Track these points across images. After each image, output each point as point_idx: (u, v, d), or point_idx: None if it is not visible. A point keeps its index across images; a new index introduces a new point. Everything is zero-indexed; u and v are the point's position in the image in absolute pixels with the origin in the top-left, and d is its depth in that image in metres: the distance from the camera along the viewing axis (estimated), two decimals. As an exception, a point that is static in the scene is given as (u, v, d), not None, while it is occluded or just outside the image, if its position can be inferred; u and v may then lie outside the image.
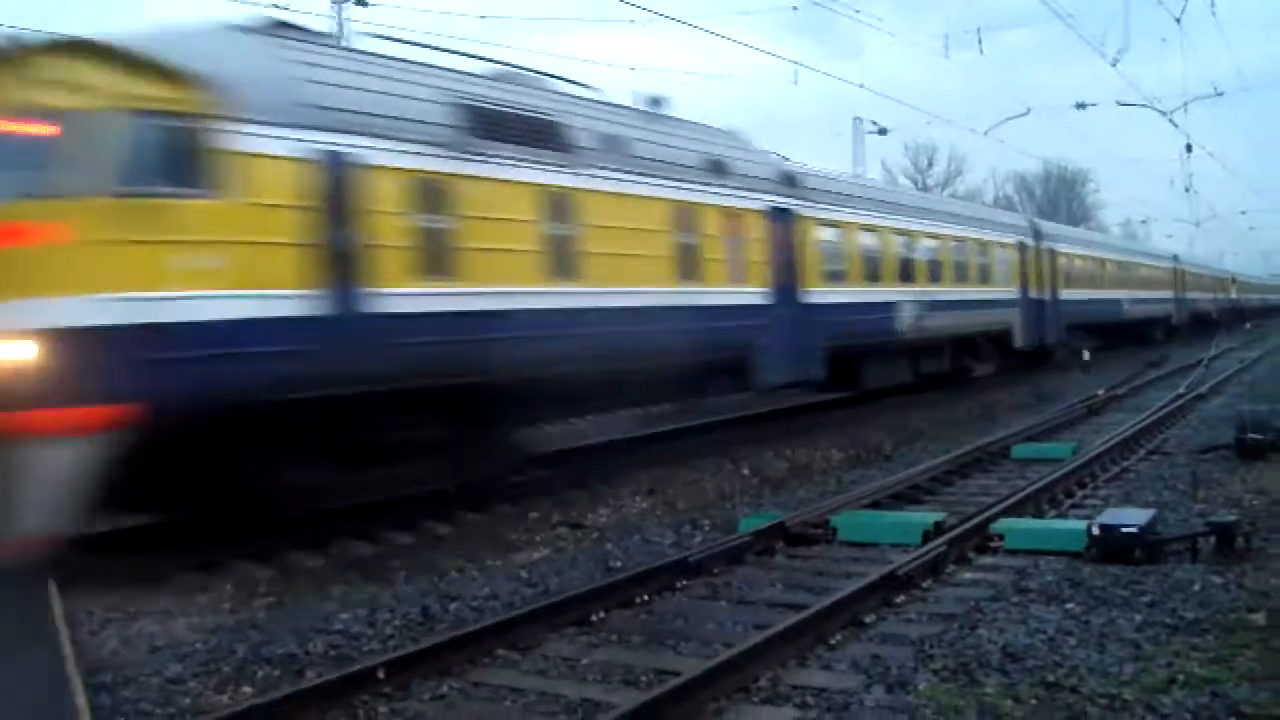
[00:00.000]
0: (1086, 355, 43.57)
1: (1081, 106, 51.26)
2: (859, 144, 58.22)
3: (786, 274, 23.39)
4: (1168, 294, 66.64)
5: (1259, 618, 9.94)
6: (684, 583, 11.92)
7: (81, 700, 8.27)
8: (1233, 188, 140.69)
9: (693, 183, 20.57)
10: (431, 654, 9.34)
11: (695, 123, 22.71)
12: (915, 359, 30.72)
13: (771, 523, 14.07)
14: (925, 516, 14.23)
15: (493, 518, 16.28)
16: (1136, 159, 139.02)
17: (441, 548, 14.61)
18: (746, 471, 19.69)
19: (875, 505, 15.53)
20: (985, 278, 35.30)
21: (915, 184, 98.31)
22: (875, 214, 28.54)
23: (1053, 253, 42.51)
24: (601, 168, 18.15)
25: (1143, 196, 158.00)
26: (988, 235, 36.26)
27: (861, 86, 43.15)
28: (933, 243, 31.74)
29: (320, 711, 8.32)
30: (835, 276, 25.84)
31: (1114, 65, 34.60)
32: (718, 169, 21.58)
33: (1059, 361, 42.22)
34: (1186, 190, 68.64)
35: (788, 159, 26.06)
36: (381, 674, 8.83)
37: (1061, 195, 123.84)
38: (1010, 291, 37.19)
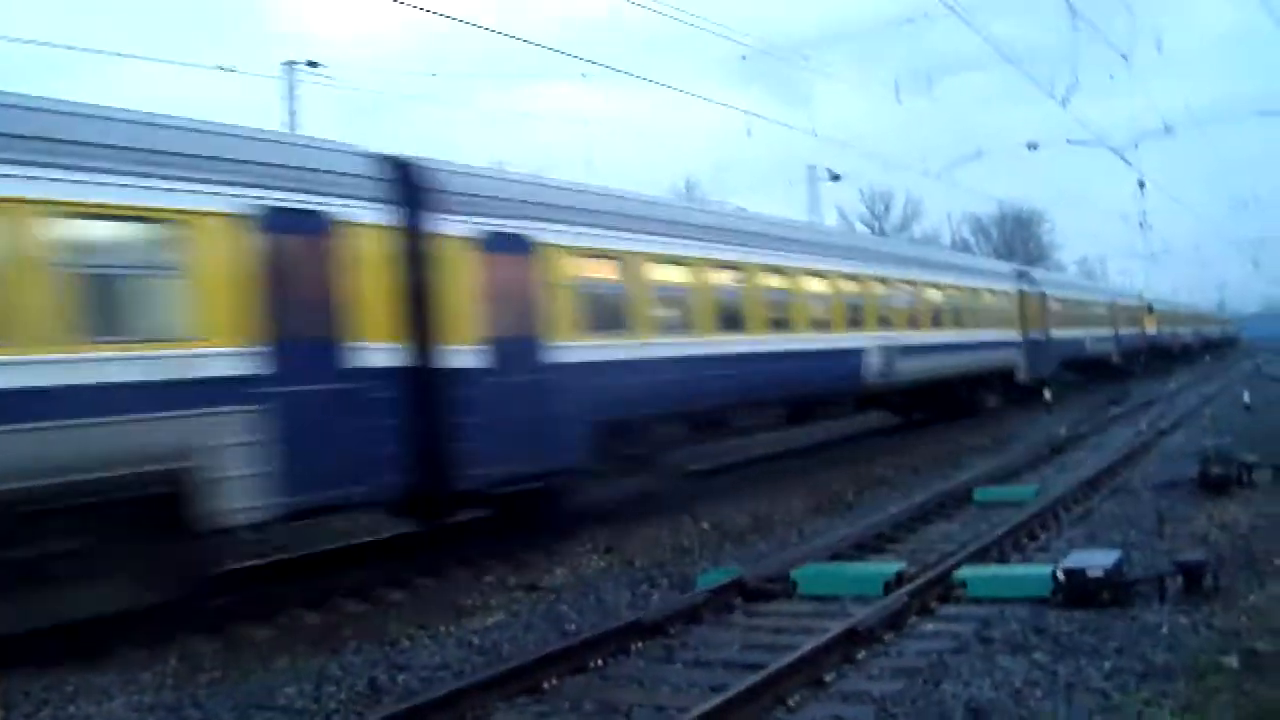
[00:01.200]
0: (1048, 395, 43.62)
1: (1033, 147, 51.35)
2: (814, 191, 58.33)
3: None
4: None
5: (1231, 660, 9.71)
6: (639, 644, 11.57)
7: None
8: (1187, 222, 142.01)
9: None
10: (375, 730, 8.98)
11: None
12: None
13: (730, 579, 13.76)
14: (886, 567, 13.96)
15: (446, 581, 15.91)
16: (1090, 197, 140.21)
17: (393, 614, 14.22)
18: (706, 525, 19.33)
19: (836, 556, 15.25)
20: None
21: (872, 229, 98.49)
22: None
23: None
24: None
25: (1098, 233, 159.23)
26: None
27: (815, 135, 43.15)
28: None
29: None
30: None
31: (1064, 105, 34.50)
32: None
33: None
34: (1141, 226, 68.92)
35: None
36: (321, 754, 8.46)
37: (1017, 236, 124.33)
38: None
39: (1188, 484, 19.34)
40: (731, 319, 23.31)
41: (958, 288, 37.45)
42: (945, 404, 37.08)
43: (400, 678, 11.03)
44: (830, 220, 75.62)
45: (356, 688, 10.72)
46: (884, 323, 30.51)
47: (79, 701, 10.63)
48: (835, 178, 57.58)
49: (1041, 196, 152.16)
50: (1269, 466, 19.75)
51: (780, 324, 25.14)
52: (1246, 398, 36.54)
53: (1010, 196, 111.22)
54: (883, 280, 31.17)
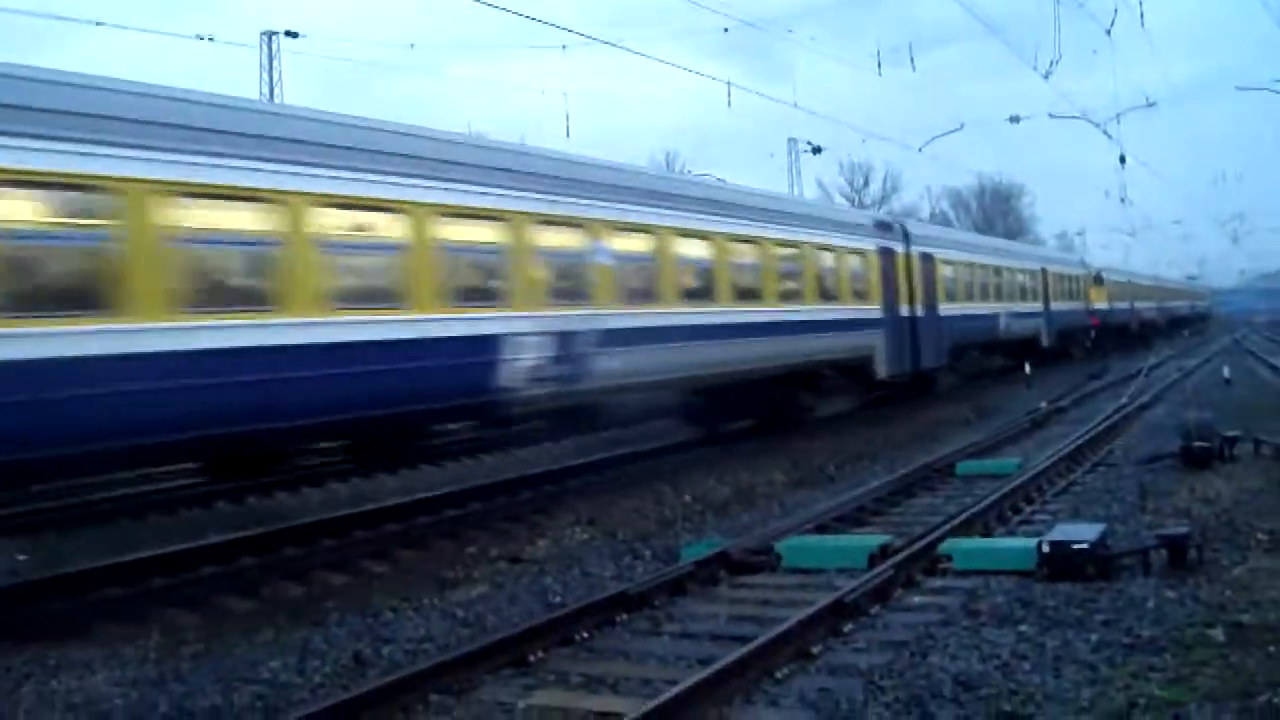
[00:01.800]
0: (1028, 369, 43.15)
1: (1015, 120, 51.45)
2: (794, 164, 58.19)
3: None
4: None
5: (1217, 633, 9.71)
6: (625, 616, 11.52)
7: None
8: (1167, 197, 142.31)
9: None
10: (361, 702, 8.88)
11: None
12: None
13: (714, 551, 13.72)
14: (871, 539, 13.93)
15: (429, 554, 15.84)
16: (1071, 171, 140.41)
17: (376, 587, 14.14)
18: (688, 498, 19.29)
19: (820, 529, 15.23)
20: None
21: (851, 202, 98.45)
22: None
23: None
24: None
25: (1078, 208, 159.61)
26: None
27: (795, 106, 42.98)
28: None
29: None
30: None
31: (1046, 78, 34.54)
32: None
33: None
34: (1121, 201, 69.02)
35: None
36: (307, 727, 8.39)
37: (997, 209, 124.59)
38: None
39: (1169, 458, 19.37)
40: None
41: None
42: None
43: (385, 650, 10.95)
44: (810, 194, 75.43)
45: (341, 660, 10.64)
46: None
47: (61, 676, 10.51)
48: (816, 150, 57.51)
49: (1022, 170, 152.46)
50: (1250, 440, 19.80)
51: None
52: (1226, 372, 36.66)
53: (991, 170, 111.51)
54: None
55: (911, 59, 54.24)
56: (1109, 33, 36.53)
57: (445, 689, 9.40)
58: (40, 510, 18.01)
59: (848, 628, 10.64)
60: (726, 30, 42.56)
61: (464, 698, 9.33)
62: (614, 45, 53.93)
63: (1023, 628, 10.23)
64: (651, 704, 8.22)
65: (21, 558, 15.47)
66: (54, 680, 10.40)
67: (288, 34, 43.33)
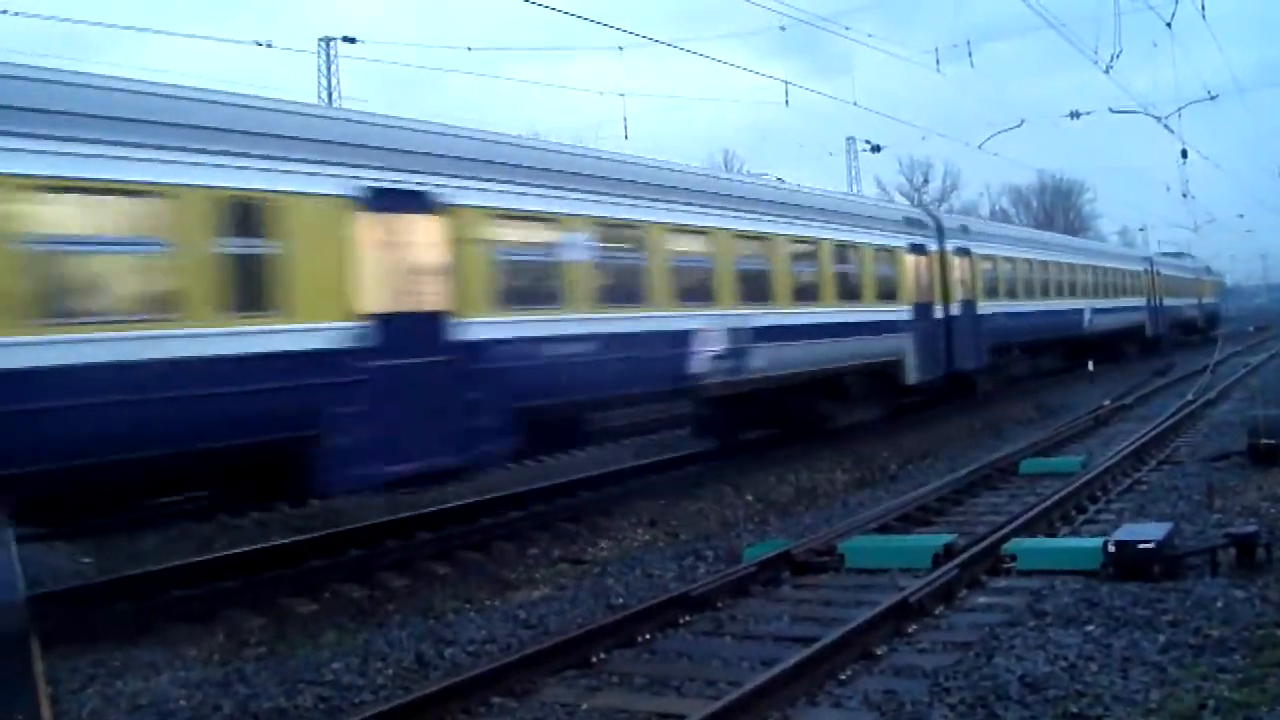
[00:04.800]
0: (1090, 366, 42.73)
1: (1075, 115, 50.74)
2: (853, 163, 57.98)
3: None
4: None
5: (1288, 633, 9.55)
6: (688, 618, 11.52)
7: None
8: (1229, 191, 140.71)
9: None
10: (423, 705, 8.92)
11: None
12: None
13: (777, 551, 13.69)
14: (935, 539, 13.85)
15: (491, 556, 15.87)
16: (1132, 166, 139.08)
17: (438, 588, 14.18)
18: (750, 498, 19.27)
19: (883, 529, 15.15)
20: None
21: (911, 201, 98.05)
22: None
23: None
24: None
25: (1140, 203, 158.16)
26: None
27: (854, 104, 42.72)
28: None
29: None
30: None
31: (1107, 72, 34.03)
32: None
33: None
34: (1184, 196, 68.20)
35: None
36: (371, 729, 8.41)
37: (1058, 206, 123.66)
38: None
39: (1236, 455, 19.14)
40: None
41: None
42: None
43: (447, 652, 11.01)
44: (870, 193, 75.14)
45: (403, 662, 10.71)
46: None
47: (126, 677, 10.62)
48: (875, 149, 57.14)
49: (1083, 166, 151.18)
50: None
51: None
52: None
53: (1051, 167, 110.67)
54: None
55: (970, 54, 53.45)
56: (1169, 25, 35.97)
57: (507, 691, 9.44)
58: (105, 513, 18.16)
59: (912, 628, 10.59)
60: (783, 28, 42.33)
61: (526, 699, 9.36)
62: (671, 46, 53.51)
63: (1089, 628, 10.12)
64: (715, 705, 8.21)
65: (85, 560, 15.61)
66: (119, 681, 10.52)
67: (345, 39, 43.66)
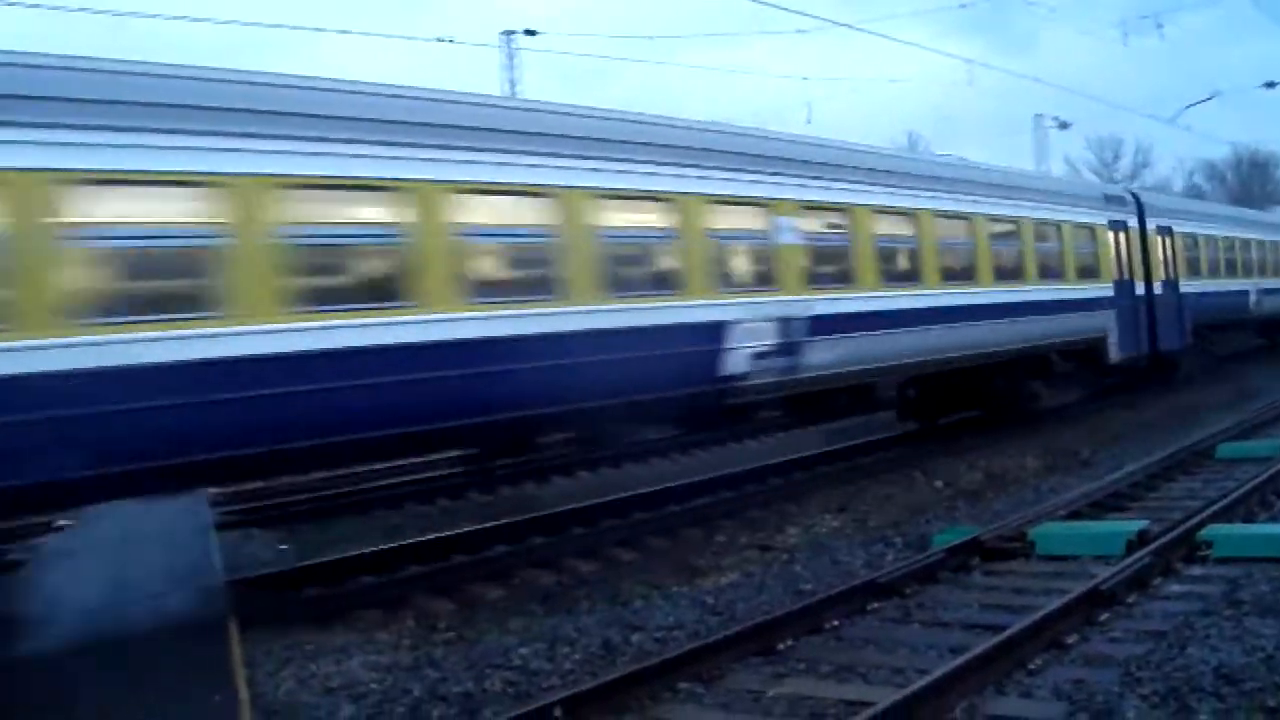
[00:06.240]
0: None
1: (1271, 85, 49.26)
2: (1040, 141, 56.95)
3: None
4: None
5: None
6: (875, 605, 11.51)
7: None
8: None
9: None
10: (610, 689, 9.05)
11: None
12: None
13: (966, 538, 13.58)
14: (1128, 525, 13.60)
15: (678, 542, 15.98)
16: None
17: (626, 575, 14.33)
18: (939, 484, 19.11)
19: (1075, 515, 14.92)
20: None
21: (1101, 179, 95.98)
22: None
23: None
24: None
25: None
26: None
27: (1039, 81, 41.97)
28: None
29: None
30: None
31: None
32: None
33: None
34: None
35: None
36: (558, 712, 8.58)
37: (1255, 180, 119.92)
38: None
39: None
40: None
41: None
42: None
43: (634, 638, 11.11)
44: (1058, 171, 73.69)
45: (590, 648, 10.84)
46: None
47: (319, 661, 10.93)
48: (1063, 126, 56.13)
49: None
50: None
51: None
52: None
53: (1246, 139, 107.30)
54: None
55: (1159, 26, 52.11)
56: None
57: (694, 676, 9.52)
58: (299, 501, 18.75)
59: (1104, 617, 10.44)
60: (964, 6, 41.75)
61: (712, 686, 9.43)
62: (852, 28, 53.18)
63: (1289, 618, 9.88)
64: (901, 694, 8.21)
65: (282, 547, 16.08)
66: (313, 664, 10.84)
67: (526, 32, 44.07)
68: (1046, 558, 13.09)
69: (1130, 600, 10.92)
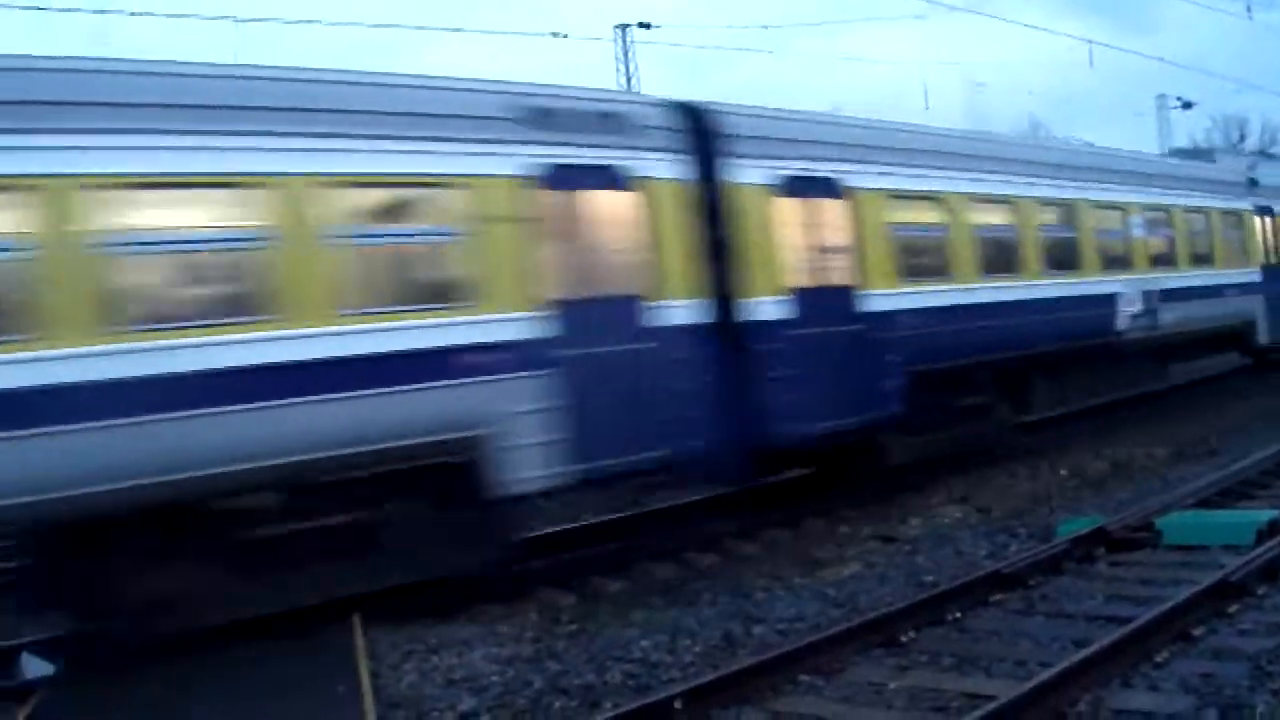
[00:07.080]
0: None
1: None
2: (1163, 122, 55.93)
3: None
4: None
5: None
6: (998, 596, 11.40)
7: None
8: None
9: None
10: (730, 682, 9.08)
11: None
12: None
13: (1092, 528, 13.39)
14: (1259, 514, 13.31)
15: (800, 534, 15.97)
16: None
17: (747, 567, 14.34)
18: (1064, 472, 18.86)
19: (1203, 504, 14.64)
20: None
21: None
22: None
23: None
24: None
25: None
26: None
27: (1161, 60, 41.25)
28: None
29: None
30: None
31: None
32: None
33: None
34: None
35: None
36: (679, 704, 8.61)
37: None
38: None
39: None
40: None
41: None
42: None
43: (755, 630, 11.13)
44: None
45: (711, 640, 10.87)
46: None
47: (441, 653, 11.05)
48: (1187, 105, 54.90)
49: None
50: None
51: None
52: None
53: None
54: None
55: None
56: None
57: (815, 669, 9.51)
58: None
59: (1233, 608, 10.21)
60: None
61: (834, 678, 9.41)
62: (971, 12, 52.59)
63: None
64: (1025, 686, 8.14)
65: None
66: (435, 656, 10.98)
67: (640, 25, 44.05)
68: (1174, 548, 12.85)
69: (1261, 591, 10.67)
